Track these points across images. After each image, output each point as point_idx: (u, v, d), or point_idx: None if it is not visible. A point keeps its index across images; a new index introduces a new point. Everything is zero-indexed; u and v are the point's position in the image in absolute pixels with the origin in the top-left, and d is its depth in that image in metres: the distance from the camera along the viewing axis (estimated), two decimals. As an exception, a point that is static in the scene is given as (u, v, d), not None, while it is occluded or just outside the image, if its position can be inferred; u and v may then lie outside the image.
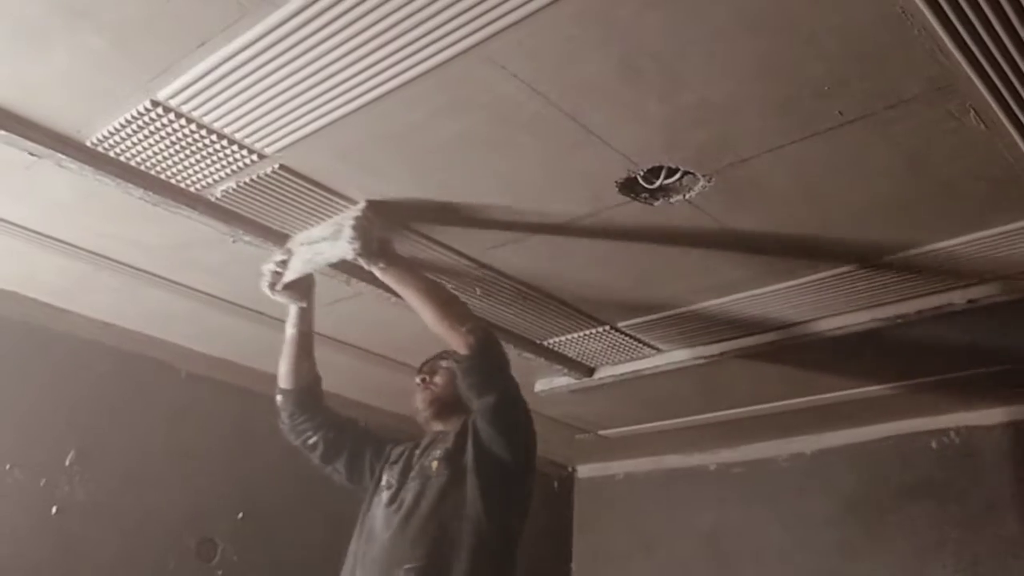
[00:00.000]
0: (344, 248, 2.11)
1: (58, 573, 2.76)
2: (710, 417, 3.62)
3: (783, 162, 1.90)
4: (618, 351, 3.05)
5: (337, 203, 2.17)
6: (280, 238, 2.34)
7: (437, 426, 2.30)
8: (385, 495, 2.19)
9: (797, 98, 1.69)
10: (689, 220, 2.17)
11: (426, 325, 2.15)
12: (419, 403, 2.33)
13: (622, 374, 3.18)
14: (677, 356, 3.03)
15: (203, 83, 1.77)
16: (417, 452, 2.25)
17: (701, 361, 2.98)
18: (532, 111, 1.78)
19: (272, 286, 2.28)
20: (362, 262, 2.14)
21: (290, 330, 2.36)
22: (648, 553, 4.05)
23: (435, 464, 2.13)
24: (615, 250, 2.35)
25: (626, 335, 2.92)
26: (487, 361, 2.09)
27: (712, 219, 2.16)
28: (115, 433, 2.99)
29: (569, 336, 2.96)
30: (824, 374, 3.10)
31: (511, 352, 2.94)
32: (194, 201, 2.18)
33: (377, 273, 2.16)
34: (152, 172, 2.10)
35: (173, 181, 2.13)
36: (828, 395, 3.28)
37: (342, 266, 2.35)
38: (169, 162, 2.05)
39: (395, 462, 2.26)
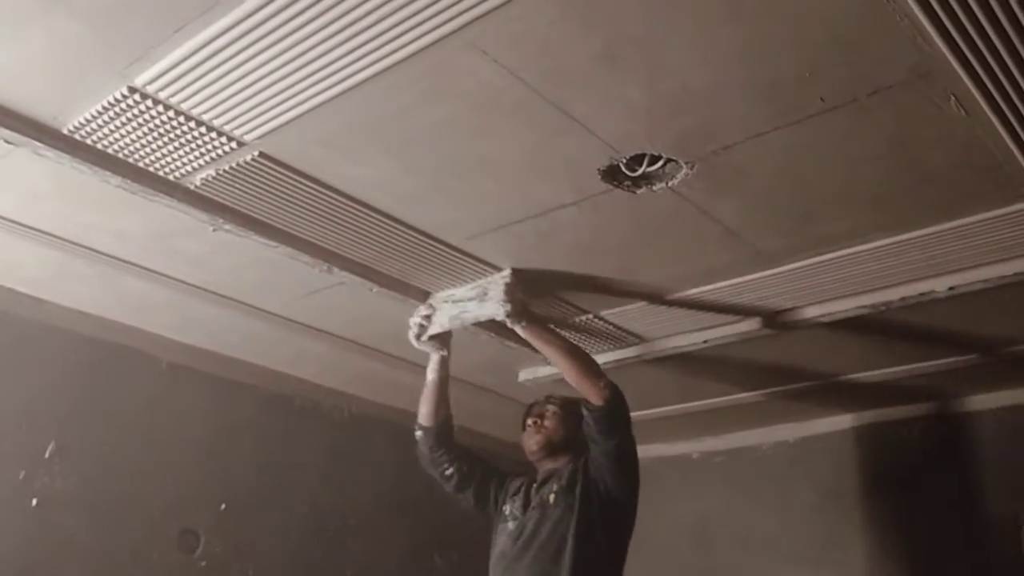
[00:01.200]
0: (495, 309, 2.48)
1: (39, 566, 2.73)
2: (694, 406, 3.63)
3: (766, 149, 1.89)
4: (601, 340, 3.05)
5: (312, 188, 2.15)
6: (260, 225, 2.32)
7: (548, 464, 2.58)
8: (511, 525, 2.52)
9: (779, 85, 1.69)
10: (672, 208, 2.16)
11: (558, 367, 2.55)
12: (532, 445, 2.60)
13: (605, 363, 3.15)
14: (661, 345, 3.04)
15: (181, 69, 1.74)
16: (535, 487, 2.56)
17: (685, 350, 2.99)
18: (514, 98, 1.77)
19: (418, 337, 2.65)
20: (508, 321, 2.48)
21: (431, 375, 2.70)
22: (633, 541, 4.05)
23: (552, 497, 2.44)
24: (598, 238, 2.35)
25: (609, 323, 2.92)
26: (617, 412, 2.41)
27: (695, 207, 2.16)
28: (95, 424, 2.96)
29: (551, 325, 2.95)
30: (809, 361, 3.11)
31: (491, 341, 2.96)
32: (173, 189, 2.16)
33: (519, 331, 2.50)
34: (130, 160, 2.07)
35: (152, 169, 2.10)
36: (811, 383, 3.29)
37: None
38: (147, 149, 2.02)
39: (515, 494, 2.59)
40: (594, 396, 2.39)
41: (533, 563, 2.38)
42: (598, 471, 2.41)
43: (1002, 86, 1.64)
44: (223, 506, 3.23)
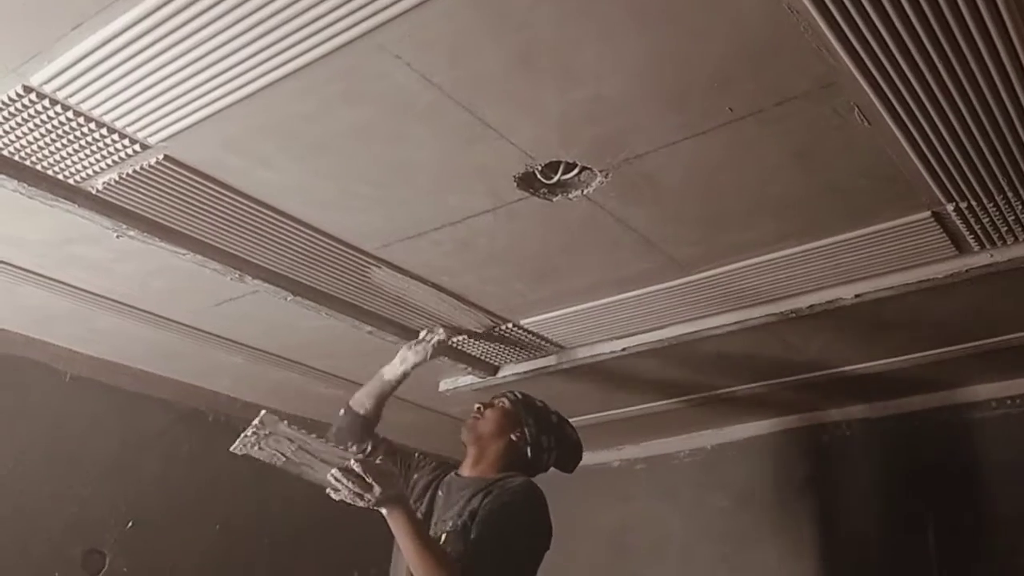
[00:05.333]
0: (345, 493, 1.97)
1: (-71, 590, 2.60)
2: (614, 414, 3.65)
3: (677, 158, 1.92)
4: (522, 349, 3.05)
5: (221, 193, 2.09)
6: (167, 232, 2.24)
7: (468, 464, 2.35)
8: None
9: (688, 94, 1.71)
10: (588, 216, 2.17)
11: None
12: (464, 432, 2.39)
13: (526, 372, 3.18)
14: (580, 353, 3.05)
15: (79, 68, 1.68)
16: (440, 495, 2.32)
17: (604, 358, 3.00)
18: (427, 102, 1.75)
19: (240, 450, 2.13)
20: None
21: (391, 378, 2.58)
22: (553, 550, 4.04)
23: (444, 537, 2.15)
24: (515, 245, 2.34)
25: (529, 332, 2.92)
26: None
27: (610, 215, 2.17)
28: (-8, 440, 2.83)
29: (472, 334, 2.93)
30: (723, 370, 3.16)
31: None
32: (73, 194, 2.08)
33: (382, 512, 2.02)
34: (27, 162, 1.99)
35: (50, 172, 2.02)
36: (727, 390, 3.34)
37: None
38: (45, 152, 1.94)
39: (419, 499, 2.36)
40: None
41: None
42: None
43: (903, 98, 1.68)
44: (130, 524, 3.12)
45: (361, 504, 1.96)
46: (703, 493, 3.78)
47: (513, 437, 2.34)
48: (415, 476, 2.46)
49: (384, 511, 1.98)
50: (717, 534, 3.67)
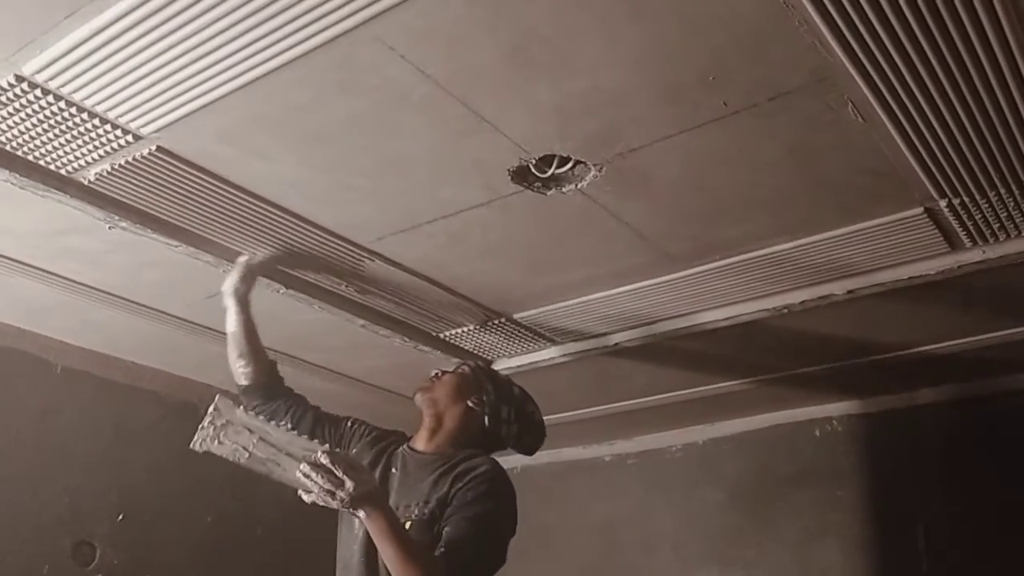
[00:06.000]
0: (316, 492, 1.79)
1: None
2: (607, 408, 3.65)
3: (671, 152, 1.92)
4: (515, 343, 3.05)
5: (214, 185, 2.08)
6: (159, 223, 2.24)
7: (423, 436, 2.19)
8: (358, 528, 2.02)
9: (683, 88, 1.71)
10: (582, 210, 2.17)
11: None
12: (418, 394, 2.22)
13: (519, 366, 3.18)
14: (573, 348, 3.05)
15: (72, 57, 1.66)
16: (395, 473, 2.14)
17: (597, 352, 3.01)
18: (422, 95, 1.74)
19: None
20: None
21: (233, 328, 2.31)
22: (544, 545, 4.06)
23: (409, 524, 1.98)
24: (509, 239, 2.34)
25: (523, 327, 2.91)
26: None
27: (604, 209, 2.17)
28: (-18, 432, 2.82)
29: (465, 328, 2.94)
30: (716, 364, 3.16)
31: (406, 347, 2.93)
32: (65, 184, 2.06)
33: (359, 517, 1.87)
34: (19, 153, 1.97)
35: (43, 163, 2.00)
36: (719, 385, 3.35)
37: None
38: (37, 142, 1.93)
39: (371, 470, 2.09)
40: None
41: None
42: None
43: (897, 93, 1.69)
44: (121, 516, 3.11)
45: (333, 505, 1.77)
46: (695, 488, 3.79)
47: (470, 403, 2.19)
48: (353, 451, 2.22)
49: (362, 514, 1.81)
50: (708, 529, 3.68)
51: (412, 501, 2.05)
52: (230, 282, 2.35)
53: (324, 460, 1.76)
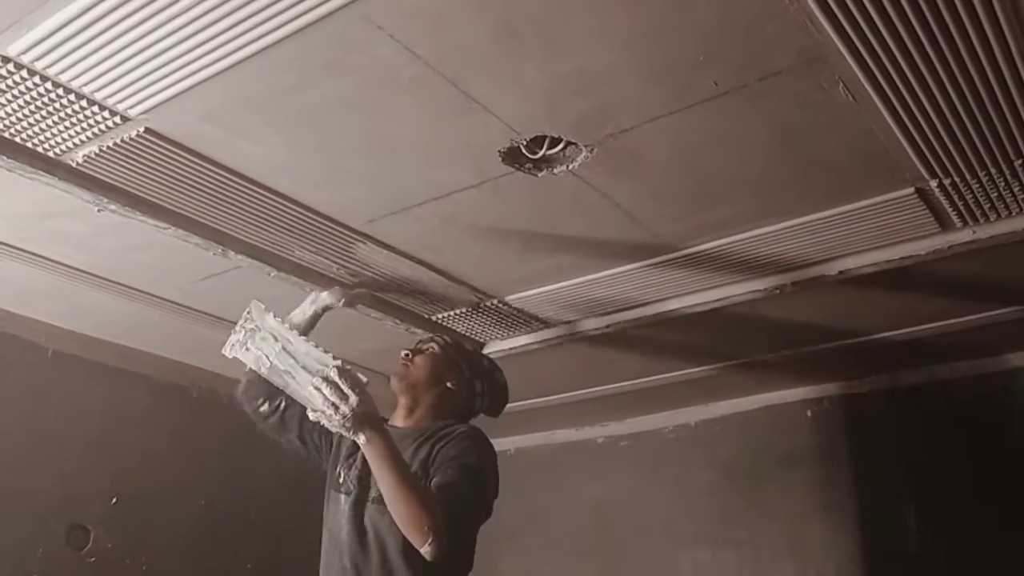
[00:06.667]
0: (322, 410, 1.80)
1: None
2: (599, 391, 3.66)
3: (662, 133, 1.91)
4: (507, 325, 3.05)
5: (203, 167, 2.07)
6: (149, 206, 2.22)
7: (401, 413, 2.22)
8: (344, 502, 2.09)
9: (673, 68, 1.70)
10: (573, 191, 2.16)
11: None
12: (394, 379, 2.24)
13: (511, 348, 3.18)
14: (566, 330, 3.05)
15: (58, 37, 1.65)
16: None
17: (589, 334, 3.01)
18: (411, 75, 1.73)
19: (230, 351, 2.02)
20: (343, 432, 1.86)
21: (296, 321, 2.36)
22: (538, 526, 4.09)
23: None
24: (500, 221, 2.33)
25: (514, 309, 2.91)
26: (447, 567, 1.93)
27: (596, 190, 2.17)
28: (-27, 416, 2.81)
29: (458, 311, 2.94)
30: (708, 346, 3.17)
31: (398, 329, 2.93)
32: (53, 167, 2.05)
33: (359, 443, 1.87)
34: (5, 135, 1.96)
35: (29, 145, 1.99)
36: (712, 367, 3.36)
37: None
38: (24, 124, 1.91)
39: (351, 454, 2.14)
40: (419, 546, 1.85)
41: (381, 567, 1.97)
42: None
43: (888, 72, 1.68)
44: (114, 500, 3.12)
45: (335, 423, 1.78)
46: (687, 469, 3.81)
47: (450, 384, 2.24)
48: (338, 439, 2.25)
49: (363, 438, 1.81)
50: (700, 510, 3.70)
51: None
52: (327, 299, 2.47)
53: (334, 375, 1.79)
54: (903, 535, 3.21)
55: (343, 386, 1.78)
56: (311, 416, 1.82)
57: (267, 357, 1.92)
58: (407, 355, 2.28)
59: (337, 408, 1.78)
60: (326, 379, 1.79)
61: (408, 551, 1.91)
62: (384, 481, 1.85)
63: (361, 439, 1.83)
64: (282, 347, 1.91)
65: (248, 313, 1.97)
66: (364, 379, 1.86)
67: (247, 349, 1.95)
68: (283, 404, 2.27)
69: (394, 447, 1.87)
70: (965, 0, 1.49)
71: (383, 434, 1.85)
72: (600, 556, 3.91)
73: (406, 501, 1.83)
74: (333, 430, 1.84)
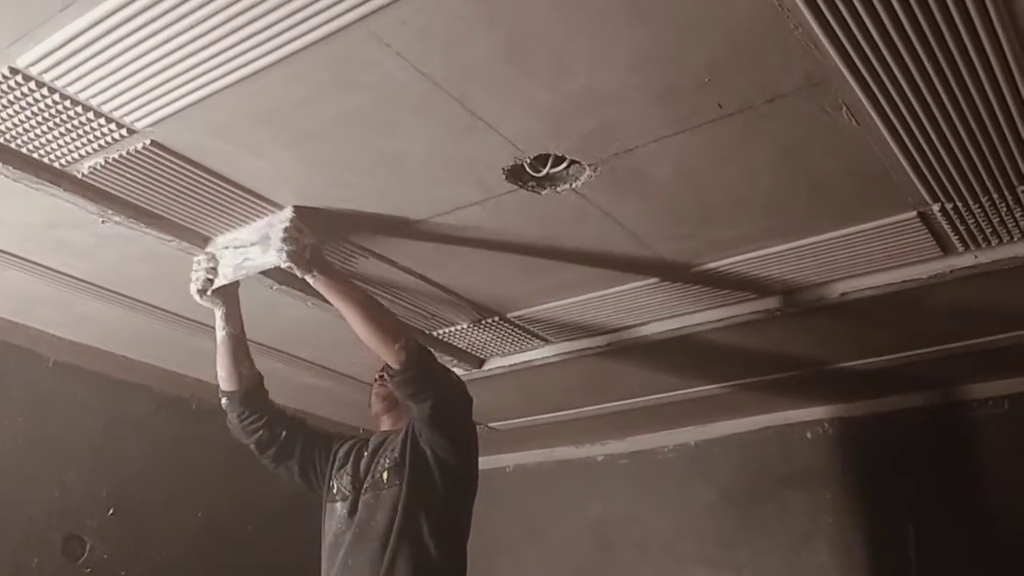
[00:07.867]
0: (274, 257, 2.11)
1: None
2: (599, 409, 3.66)
3: (667, 153, 1.92)
4: (508, 342, 3.05)
5: (207, 180, 2.08)
6: (152, 218, 2.23)
7: (387, 423, 2.43)
8: (339, 507, 2.26)
9: (679, 89, 1.71)
10: (576, 210, 2.17)
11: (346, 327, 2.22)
12: (372, 398, 2.45)
13: (512, 365, 3.18)
14: (567, 347, 3.05)
15: (66, 50, 1.66)
16: (366, 456, 2.32)
17: (590, 352, 3.01)
18: (418, 93, 1.74)
19: (202, 292, 2.27)
20: (295, 271, 2.13)
21: (220, 333, 2.35)
22: (537, 543, 4.07)
23: (386, 475, 2.21)
24: (504, 238, 2.34)
25: (516, 326, 2.92)
26: (421, 373, 2.14)
27: (598, 209, 2.17)
28: (-28, 425, 2.80)
29: (459, 327, 2.94)
30: (709, 366, 3.17)
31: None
32: (58, 177, 2.05)
33: (309, 281, 2.16)
34: (12, 145, 1.96)
35: (36, 155, 2.00)
36: (712, 387, 3.36)
37: (273, 273, 2.33)
38: (31, 135, 1.92)
39: (343, 466, 2.33)
40: (391, 359, 2.12)
41: (374, 559, 2.11)
42: (423, 440, 2.20)
43: (891, 96, 1.69)
44: (111, 511, 3.10)
45: (304, 258, 2.07)
46: (687, 489, 3.79)
47: None
48: (336, 445, 2.45)
49: (315, 272, 2.09)
50: (700, 531, 3.69)
51: (382, 458, 2.27)
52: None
53: (289, 222, 2.09)
54: (902, 559, 3.20)
55: (295, 230, 2.08)
56: (283, 266, 2.07)
57: (229, 267, 2.22)
58: (380, 376, 2.45)
59: (298, 241, 2.06)
60: (284, 229, 2.07)
61: (404, 529, 2.10)
62: (345, 306, 2.11)
63: (314, 274, 2.10)
64: (234, 247, 2.21)
65: (198, 260, 2.24)
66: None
67: (210, 279, 2.24)
68: (283, 433, 2.38)
69: (346, 277, 2.16)
70: (968, 26, 1.50)
71: (333, 267, 2.13)
72: (599, 574, 3.89)
73: (369, 314, 2.11)
74: (299, 273, 2.10)
